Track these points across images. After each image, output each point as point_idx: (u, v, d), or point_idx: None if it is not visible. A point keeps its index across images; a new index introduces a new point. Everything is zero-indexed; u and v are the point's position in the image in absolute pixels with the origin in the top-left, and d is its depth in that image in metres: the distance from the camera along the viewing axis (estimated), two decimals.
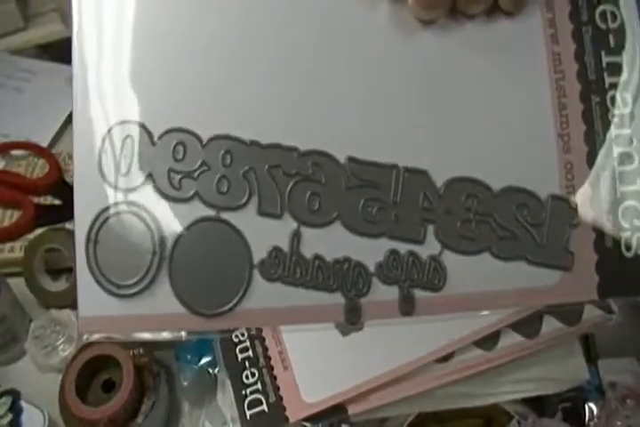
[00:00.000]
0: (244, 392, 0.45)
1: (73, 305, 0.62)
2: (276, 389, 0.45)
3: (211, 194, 0.25)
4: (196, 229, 0.25)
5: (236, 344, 0.48)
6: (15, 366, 0.58)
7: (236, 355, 0.47)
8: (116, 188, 0.25)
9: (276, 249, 0.25)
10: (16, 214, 0.62)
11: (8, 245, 0.62)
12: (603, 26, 0.28)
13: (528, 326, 0.45)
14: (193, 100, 0.26)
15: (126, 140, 0.25)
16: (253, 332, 0.45)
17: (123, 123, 0.26)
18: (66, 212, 0.47)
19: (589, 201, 0.27)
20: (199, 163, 0.25)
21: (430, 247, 0.26)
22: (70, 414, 0.47)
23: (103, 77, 0.26)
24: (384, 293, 0.26)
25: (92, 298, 0.26)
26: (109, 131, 0.26)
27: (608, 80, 0.28)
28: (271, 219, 0.25)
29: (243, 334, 0.48)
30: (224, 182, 0.25)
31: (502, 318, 0.45)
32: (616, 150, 0.28)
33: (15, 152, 0.70)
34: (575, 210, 0.27)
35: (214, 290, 0.25)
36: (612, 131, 0.27)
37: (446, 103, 0.27)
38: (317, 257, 0.25)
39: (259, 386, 0.45)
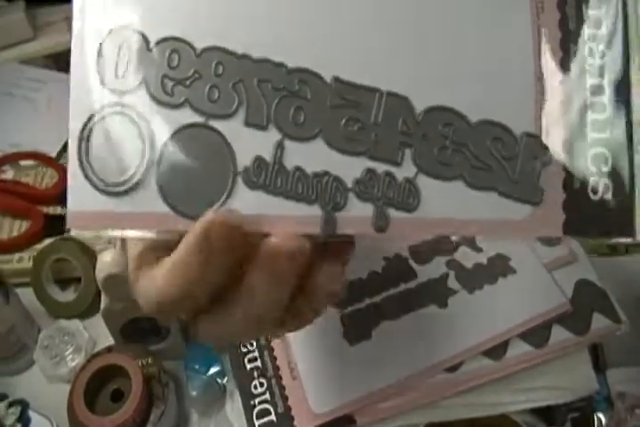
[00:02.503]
0: (252, 402, 0.46)
1: (82, 315, 0.62)
2: (285, 399, 0.45)
3: (201, 102, 0.26)
4: (185, 134, 0.26)
5: (245, 354, 0.48)
6: (24, 376, 0.58)
7: (244, 365, 0.48)
8: (110, 89, 0.26)
9: (260, 158, 0.26)
10: (25, 224, 0.62)
11: (17, 256, 0.62)
12: None
13: (537, 335, 0.46)
14: (190, 11, 0.27)
15: (124, 45, 0.27)
16: None
17: (121, 28, 0.27)
18: None
19: (561, 143, 0.28)
20: (192, 71, 0.26)
21: (406, 170, 0.27)
22: (79, 423, 0.47)
23: None
24: (360, 208, 0.26)
25: (81, 194, 0.27)
26: (108, 34, 0.27)
27: (587, 31, 0.29)
28: (257, 129, 0.26)
29: (252, 344, 0.48)
30: (214, 91, 0.26)
31: (511, 328, 0.45)
32: (589, 99, 0.29)
33: (24, 162, 0.70)
34: (547, 149, 0.28)
35: (198, 193, 0.26)
36: (587, 80, 0.29)
37: (433, 35, 0.28)
38: (298, 169, 0.26)
39: (267, 396, 0.45)
